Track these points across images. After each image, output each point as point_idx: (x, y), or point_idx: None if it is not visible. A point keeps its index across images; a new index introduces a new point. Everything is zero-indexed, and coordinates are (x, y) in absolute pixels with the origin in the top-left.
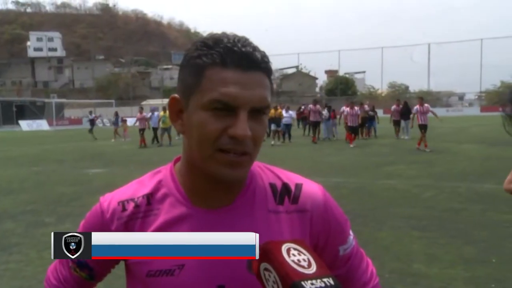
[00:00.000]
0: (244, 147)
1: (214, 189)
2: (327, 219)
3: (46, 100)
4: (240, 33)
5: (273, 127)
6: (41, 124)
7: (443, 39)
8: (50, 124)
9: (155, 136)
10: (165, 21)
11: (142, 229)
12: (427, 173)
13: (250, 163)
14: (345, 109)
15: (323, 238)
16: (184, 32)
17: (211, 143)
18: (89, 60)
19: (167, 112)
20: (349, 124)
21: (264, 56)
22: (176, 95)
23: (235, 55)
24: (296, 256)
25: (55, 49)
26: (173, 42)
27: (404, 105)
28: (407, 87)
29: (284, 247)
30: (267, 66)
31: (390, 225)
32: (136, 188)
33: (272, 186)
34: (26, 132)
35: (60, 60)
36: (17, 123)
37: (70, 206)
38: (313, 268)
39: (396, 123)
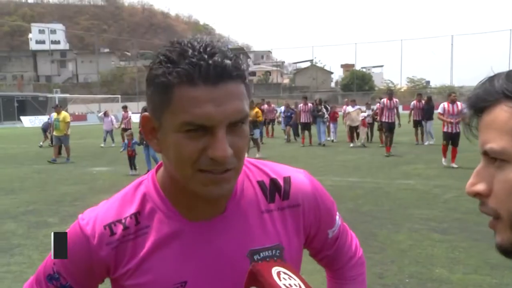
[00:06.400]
0: (225, 166)
1: (203, 201)
2: (317, 207)
3: (49, 95)
4: (252, 24)
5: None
6: (44, 120)
7: (468, 31)
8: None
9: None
10: (172, 13)
11: (135, 250)
12: (448, 173)
13: (236, 176)
14: (443, 105)
15: (315, 227)
16: (192, 24)
17: (190, 164)
18: (93, 53)
19: (62, 113)
20: (444, 129)
21: (235, 62)
22: (146, 113)
23: (202, 69)
24: (287, 281)
25: (58, 42)
26: (181, 35)
27: (427, 102)
28: (427, 82)
29: (274, 270)
30: (239, 73)
31: (408, 227)
32: (120, 206)
33: (261, 184)
34: (28, 129)
35: (63, 53)
36: (19, 119)
37: (73, 206)
38: None
39: (417, 124)
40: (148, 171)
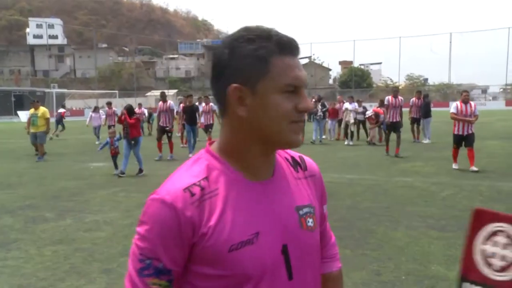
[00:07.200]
0: (304, 117)
1: (263, 164)
2: (321, 182)
3: (46, 90)
4: (250, 20)
5: None
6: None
7: (466, 28)
8: (50, 115)
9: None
10: (171, 8)
11: (212, 208)
12: (446, 171)
13: None
14: (456, 105)
15: (320, 199)
16: (191, 20)
17: (287, 118)
18: (91, 48)
19: (41, 109)
20: (455, 132)
21: None
22: (235, 84)
23: (287, 44)
24: (498, 248)
25: (55, 37)
26: (179, 31)
27: (423, 99)
28: (426, 79)
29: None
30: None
31: (406, 224)
32: (189, 175)
33: (287, 159)
34: (25, 123)
35: (61, 48)
36: (16, 114)
37: (71, 201)
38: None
39: (415, 122)
40: (140, 170)
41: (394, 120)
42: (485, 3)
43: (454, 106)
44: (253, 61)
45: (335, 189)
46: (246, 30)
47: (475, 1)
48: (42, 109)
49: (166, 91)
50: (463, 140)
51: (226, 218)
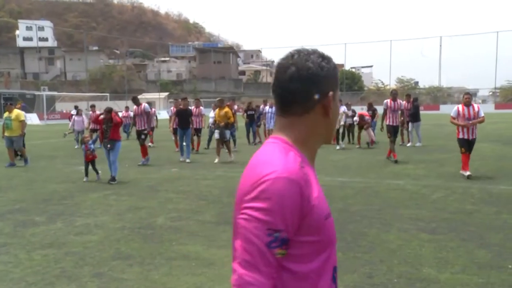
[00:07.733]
0: None
1: (315, 154)
2: None
3: (37, 92)
4: (242, 24)
5: (216, 135)
6: (31, 118)
7: (456, 32)
8: (40, 118)
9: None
10: (162, 11)
11: (311, 185)
12: (436, 173)
13: None
14: (457, 108)
15: None
16: (182, 23)
17: None
18: (82, 51)
19: (15, 111)
20: (460, 136)
21: None
22: (332, 92)
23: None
24: None
25: (45, 39)
26: (171, 33)
27: (412, 103)
28: (416, 83)
29: None
30: None
31: (397, 227)
32: (291, 160)
33: None
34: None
35: (51, 50)
36: None
37: (61, 205)
38: None
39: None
40: (113, 178)
41: (394, 124)
42: (474, 8)
43: (454, 110)
44: (334, 76)
45: (326, 192)
46: (319, 52)
47: (464, 6)
48: (16, 112)
49: (157, 94)
50: (468, 144)
51: (319, 194)
